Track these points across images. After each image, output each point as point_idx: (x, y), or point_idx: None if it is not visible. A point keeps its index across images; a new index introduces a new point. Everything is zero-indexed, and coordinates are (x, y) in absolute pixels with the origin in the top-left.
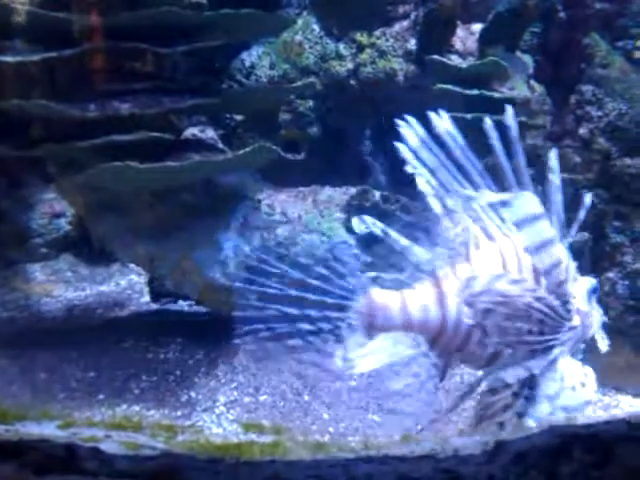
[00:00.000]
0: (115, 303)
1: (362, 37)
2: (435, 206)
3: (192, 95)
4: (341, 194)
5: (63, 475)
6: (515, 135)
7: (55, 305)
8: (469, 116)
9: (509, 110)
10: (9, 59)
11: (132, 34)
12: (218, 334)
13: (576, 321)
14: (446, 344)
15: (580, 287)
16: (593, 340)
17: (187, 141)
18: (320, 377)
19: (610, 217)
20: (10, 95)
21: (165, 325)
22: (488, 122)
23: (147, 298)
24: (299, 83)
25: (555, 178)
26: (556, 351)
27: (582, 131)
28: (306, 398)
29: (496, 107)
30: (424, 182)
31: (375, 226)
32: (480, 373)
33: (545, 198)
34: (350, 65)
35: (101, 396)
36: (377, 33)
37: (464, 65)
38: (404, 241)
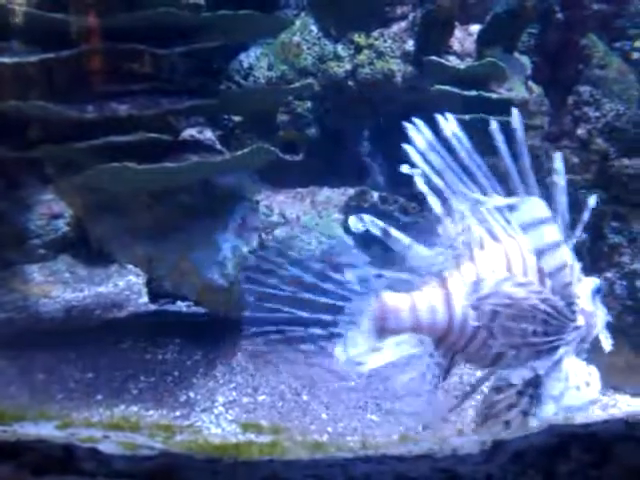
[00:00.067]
0: (113, 304)
1: (360, 38)
2: (435, 206)
3: (190, 96)
4: (339, 195)
5: (61, 475)
6: (521, 137)
7: (53, 306)
8: (467, 117)
9: (515, 112)
10: (6, 60)
11: (130, 35)
12: (216, 335)
13: (580, 321)
14: (451, 344)
15: (584, 287)
16: (594, 340)
17: (185, 142)
18: (324, 377)
19: (608, 218)
20: (8, 96)
21: (163, 326)
22: (494, 124)
23: (145, 299)
24: (297, 84)
25: (560, 180)
26: (561, 351)
27: (580, 132)
28: (305, 398)
29: (494, 108)
30: (422, 182)
31: (375, 225)
32: (481, 372)
33: (549, 199)
34: (348, 66)
35: (99, 397)
36: (375, 34)
37: (462, 66)
38: (406, 240)
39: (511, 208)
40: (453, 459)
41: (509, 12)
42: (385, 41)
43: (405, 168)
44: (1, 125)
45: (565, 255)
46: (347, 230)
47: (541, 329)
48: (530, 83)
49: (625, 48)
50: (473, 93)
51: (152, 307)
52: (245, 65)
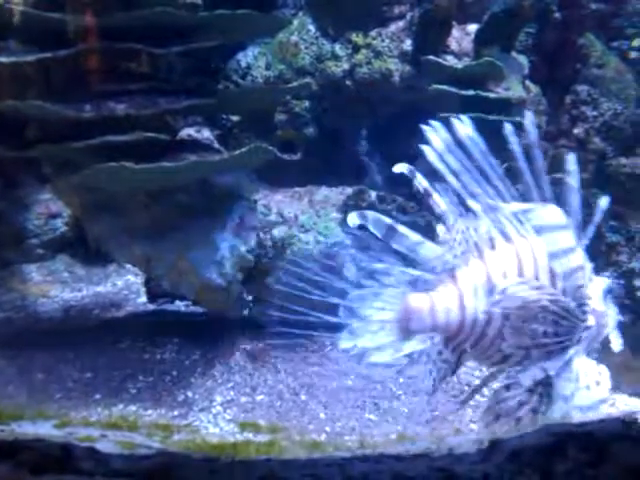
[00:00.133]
0: (112, 303)
1: (358, 38)
2: (440, 203)
3: (188, 96)
4: (337, 194)
5: (59, 475)
6: (534, 140)
7: (52, 306)
8: (464, 116)
9: (529, 115)
10: (4, 60)
11: (127, 35)
12: (215, 334)
13: (591, 321)
14: (461, 341)
15: (596, 287)
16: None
17: (183, 141)
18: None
19: (606, 216)
20: (5, 96)
21: (162, 325)
22: (508, 127)
23: (144, 298)
24: (295, 84)
25: (573, 181)
26: (571, 351)
27: (577, 131)
28: (303, 398)
29: (492, 107)
30: (425, 180)
31: (379, 222)
32: (490, 370)
33: (560, 199)
34: (346, 65)
35: (98, 396)
36: (373, 34)
37: (460, 65)
38: (415, 237)
39: (527, 213)
40: (450, 458)
41: (507, 11)
42: (383, 41)
43: (398, 167)
44: None
45: (579, 258)
46: (346, 230)
47: (552, 330)
48: (528, 82)
49: (623, 47)
50: (471, 93)
51: (150, 307)
52: (243, 64)
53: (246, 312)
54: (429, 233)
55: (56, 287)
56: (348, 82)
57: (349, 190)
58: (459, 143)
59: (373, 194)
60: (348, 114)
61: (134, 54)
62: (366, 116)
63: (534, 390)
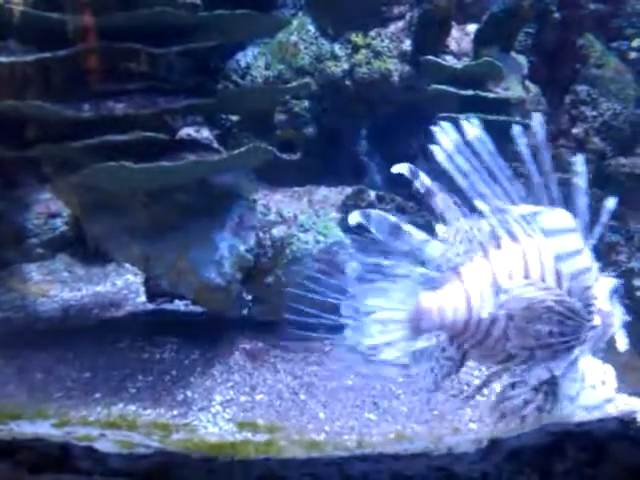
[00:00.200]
0: (111, 303)
1: (357, 38)
2: (443, 203)
3: (187, 95)
4: (337, 194)
5: (57, 474)
6: (542, 141)
7: (51, 305)
8: (463, 117)
9: (537, 116)
10: (3, 60)
11: (126, 34)
12: (214, 333)
13: (597, 321)
14: (466, 340)
15: (602, 287)
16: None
17: (182, 141)
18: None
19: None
20: (5, 96)
21: (161, 325)
22: (517, 129)
23: (143, 298)
24: (294, 83)
25: (581, 181)
26: (577, 351)
27: (577, 131)
28: (302, 397)
29: (491, 107)
30: (429, 179)
31: (383, 220)
32: (494, 368)
33: (568, 199)
34: (345, 65)
35: (97, 395)
36: (372, 34)
37: (459, 65)
38: (421, 235)
39: (535, 216)
40: (449, 457)
41: (506, 11)
42: (382, 41)
43: (399, 168)
44: None
45: (586, 260)
46: (345, 230)
47: (557, 330)
48: (527, 82)
49: (622, 48)
50: (470, 92)
51: (150, 306)
52: (242, 64)
53: (245, 311)
54: (429, 233)
55: (56, 287)
56: (347, 82)
57: (348, 190)
58: (468, 144)
59: (372, 194)
60: (347, 114)
61: (133, 54)
62: (365, 116)
63: (539, 389)
